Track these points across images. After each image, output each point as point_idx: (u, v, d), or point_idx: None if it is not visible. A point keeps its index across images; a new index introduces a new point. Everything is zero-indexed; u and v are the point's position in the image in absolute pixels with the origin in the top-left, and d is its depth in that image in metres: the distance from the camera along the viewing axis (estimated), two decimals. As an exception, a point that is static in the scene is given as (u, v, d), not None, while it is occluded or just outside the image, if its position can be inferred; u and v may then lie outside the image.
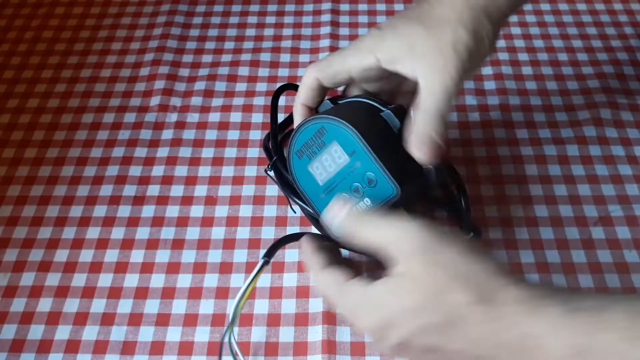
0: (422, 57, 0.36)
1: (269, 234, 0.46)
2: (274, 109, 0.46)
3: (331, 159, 0.38)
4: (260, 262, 0.36)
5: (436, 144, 0.36)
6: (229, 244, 0.46)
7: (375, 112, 0.39)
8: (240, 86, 0.57)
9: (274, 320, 0.42)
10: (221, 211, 0.48)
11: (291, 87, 0.48)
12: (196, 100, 0.56)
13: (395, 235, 0.31)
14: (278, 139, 0.46)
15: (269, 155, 0.45)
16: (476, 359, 0.29)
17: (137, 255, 0.45)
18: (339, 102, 0.41)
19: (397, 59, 0.37)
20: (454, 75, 0.35)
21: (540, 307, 0.27)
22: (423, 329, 0.29)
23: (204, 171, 0.50)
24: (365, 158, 0.37)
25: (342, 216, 0.34)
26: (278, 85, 0.56)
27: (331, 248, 0.36)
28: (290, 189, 0.43)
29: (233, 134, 0.53)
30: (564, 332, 0.27)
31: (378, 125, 0.38)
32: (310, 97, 0.41)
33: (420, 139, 0.36)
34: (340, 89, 0.44)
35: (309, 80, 0.40)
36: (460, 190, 0.44)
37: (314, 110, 0.41)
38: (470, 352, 0.29)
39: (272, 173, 0.45)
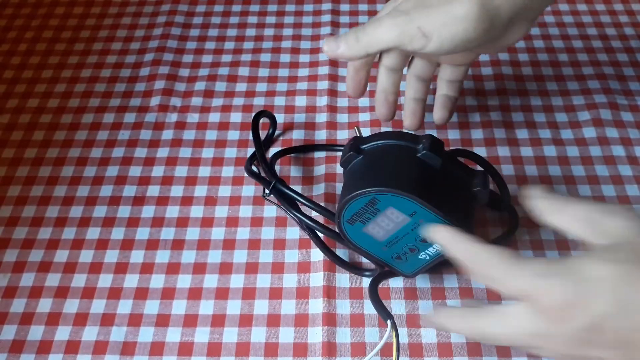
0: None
1: (269, 234, 0.46)
2: (256, 137, 0.47)
3: (389, 220, 0.38)
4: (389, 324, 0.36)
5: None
6: (229, 244, 0.46)
7: (412, 155, 0.38)
8: (240, 86, 0.57)
9: (273, 320, 0.42)
10: (221, 211, 0.48)
11: (267, 114, 0.50)
12: (196, 101, 0.56)
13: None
14: (268, 162, 0.47)
15: (259, 179, 0.46)
16: None
17: (137, 256, 0.45)
18: (363, 147, 0.39)
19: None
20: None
21: None
22: (632, 310, 0.24)
23: (204, 171, 0.50)
24: (427, 215, 0.36)
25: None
26: (278, 85, 0.57)
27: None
28: (295, 207, 0.43)
29: (233, 134, 0.53)
30: None
31: (423, 173, 0.37)
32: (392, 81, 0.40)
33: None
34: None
35: (387, 62, 0.39)
36: (496, 177, 0.45)
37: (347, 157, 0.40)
38: None
39: (271, 197, 0.45)
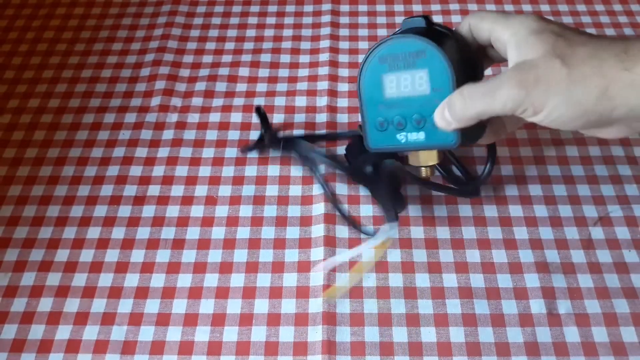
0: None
1: (269, 233, 0.46)
2: (263, 119, 0.49)
3: (411, 81, 0.38)
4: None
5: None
6: (229, 243, 0.46)
7: (468, 56, 0.39)
8: (241, 87, 0.57)
9: (273, 319, 0.42)
10: (221, 211, 0.48)
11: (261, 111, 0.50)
12: (196, 101, 0.56)
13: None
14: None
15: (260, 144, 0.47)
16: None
17: (137, 255, 0.46)
18: (436, 27, 0.40)
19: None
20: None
21: None
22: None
23: (204, 171, 0.51)
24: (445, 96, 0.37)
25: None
26: (278, 86, 0.57)
27: None
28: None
29: (233, 134, 0.53)
30: None
31: (467, 73, 0.38)
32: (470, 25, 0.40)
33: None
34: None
35: (465, 22, 0.40)
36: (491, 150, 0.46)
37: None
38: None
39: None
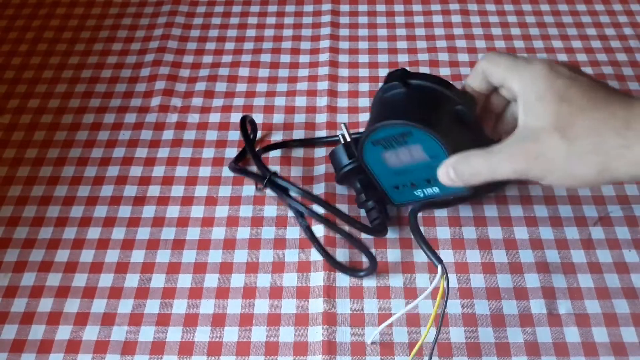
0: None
1: (269, 234, 0.46)
2: (246, 136, 0.49)
3: (409, 154, 0.40)
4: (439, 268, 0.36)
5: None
6: (229, 244, 0.46)
7: (451, 105, 0.39)
8: (241, 87, 0.57)
9: (274, 320, 0.42)
10: (221, 211, 0.48)
11: (249, 119, 0.51)
12: (197, 101, 0.56)
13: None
14: (259, 157, 0.48)
15: (249, 175, 0.47)
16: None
17: (137, 256, 0.46)
18: (410, 81, 0.40)
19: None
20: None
21: None
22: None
23: (205, 171, 0.51)
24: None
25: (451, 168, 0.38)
26: (278, 86, 0.57)
27: None
28: (298, 203, 0.44)
29: (233, 135, 0.53)
30: None
31: (456, 125, 0.39)
32: (477, 80, 0.40)
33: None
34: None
35: (478, 66, 0.40)
36: None
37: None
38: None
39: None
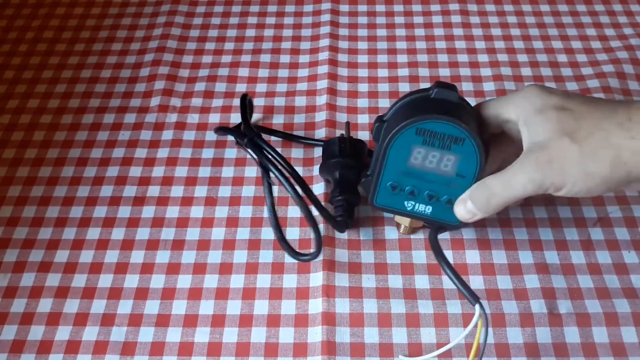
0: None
1: (268, 234, 0.46)
2: (243, 111, 0.49)
3: (438, 161, 0.39)
4: (477, 311, 0.36)
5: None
6: (229, 244, 0.46)
7: (482, 136, 0.40)
8: (240, 87, 0.57)
9: (273, 320, 0.42)
10: (221, 212, 0.48)
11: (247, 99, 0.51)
12: (196, 101, 0.56)
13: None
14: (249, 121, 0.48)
15: (234, 132, 0.47)
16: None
17: (137, 256, 0.46)
18: (461, 100, 0.40)
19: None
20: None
21: None
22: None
23: (204, 172, 0.51)
24: (466, 187, 0.39)
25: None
26: (278, 86, 0.57)
27: None
28: (271, 162, 0.42)
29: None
30: None
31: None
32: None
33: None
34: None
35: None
36: None
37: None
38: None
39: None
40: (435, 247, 0.40)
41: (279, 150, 0.51)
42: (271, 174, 0.42)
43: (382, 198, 0.42)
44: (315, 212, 0.42)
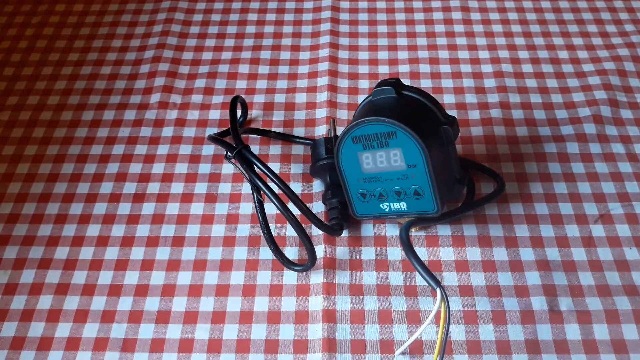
0: None
1: (269, 231, 0.46)
2: (233, 115, 0.48)
3: (386, 158, 0.40)
4: (439, 295, 0.35)
5: None
6: (229, 241, 0.46)
7: (437, 123, 0.40)
8: (241, 84, 0.57)
9: (273, 317, 0.42)
10: (221, 208, 0.48)
11: (240, 100, 0.50)
12: (196, 98, 0.56)
13: None
14: (238, 131, 0.47)
15: (222, 143, 0.46)
16: None
17: (137, 253, 0.45)
18: (404, 92, 0.41)
19: None
20: None
21: None
22: None
23: (204, 168, 0.50)
24: (422, 175, 0.39)
25: None
26: (278, 83, 0.57)
27: None
28: (259, 178, 0.42)
29: (233, 132, 0.53)
30: None
31: (438, 141, 0.40)
32: None
33: None
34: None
35: None
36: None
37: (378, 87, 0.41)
38: None
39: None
40: (401, 236, 0.40)
41: (278, 147, 0.52)
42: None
43: (360, 208, 0.43)
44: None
